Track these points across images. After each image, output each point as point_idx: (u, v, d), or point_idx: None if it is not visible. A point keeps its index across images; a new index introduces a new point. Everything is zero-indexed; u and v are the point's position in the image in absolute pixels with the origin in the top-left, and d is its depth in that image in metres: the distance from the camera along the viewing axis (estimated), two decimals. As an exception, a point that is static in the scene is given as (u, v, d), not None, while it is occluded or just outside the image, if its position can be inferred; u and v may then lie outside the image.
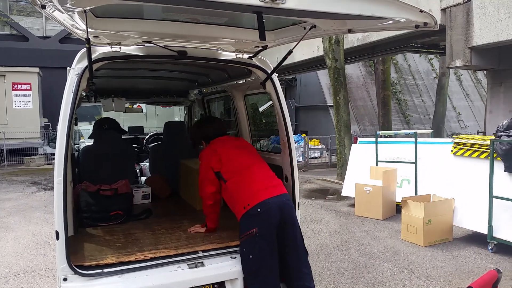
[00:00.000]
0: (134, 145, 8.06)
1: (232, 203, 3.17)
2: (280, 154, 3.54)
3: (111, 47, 2.83)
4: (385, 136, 9.99)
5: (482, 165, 6.28)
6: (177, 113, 16.68)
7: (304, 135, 17.68)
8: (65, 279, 2.60)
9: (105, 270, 2.68)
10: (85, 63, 2.67)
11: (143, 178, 6.05)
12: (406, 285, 4.93)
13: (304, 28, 2.76)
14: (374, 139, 8.80)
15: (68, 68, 2.83)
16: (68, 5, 1.99)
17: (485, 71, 15.12)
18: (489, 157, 6.00)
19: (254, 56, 3.28)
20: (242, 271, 2.94)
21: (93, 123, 5.50)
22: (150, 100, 6.50)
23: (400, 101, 23.53)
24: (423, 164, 7.90)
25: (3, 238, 6.96)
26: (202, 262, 2.92)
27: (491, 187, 5.92)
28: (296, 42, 2.92)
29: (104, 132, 4.89)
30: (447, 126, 22.20)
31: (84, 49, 2.59)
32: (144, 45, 2.95)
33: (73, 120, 2.79)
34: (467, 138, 6.88)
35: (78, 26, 2.43)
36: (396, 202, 8.07)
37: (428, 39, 12.70)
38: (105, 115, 6.65)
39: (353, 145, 9.91)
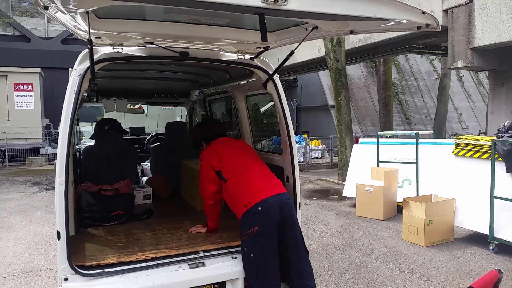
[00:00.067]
0: (135, 146, 8.07)
1: (233, 202, 3.19)
2: (281, 155, 3.55)
3: (113, 48, 2.83)
4: (387, 137, 9.99)
5: (483, 165, 6.27)
6: (179, 114, 16.68)
7: (305, 135, 17.68)
8: (66, 279, 2.60)
9: (106, 270, 2.68)
10: (87, 63, 2.68)
11: (144, 179, 6.06)
12: (407, 285, 4.93)
13: (306, 29, 2.76)
14: (375, 140, 8.79)
15: (70, 68, 2.84)
16: (70, 6, 1.99)
17: (486, 72, 15.11)
18: (490, 158, 6.00)
19: (255, 57, 3.29)
20: (244, 270, 2.94)
21: (94, 123, 5.51)
22: (152, 101, 6.51)
23: (401, 102, 23.52)
24: (424, 165, 7.90)
25: (4, 238, 6.98)
26: (203, 262, 2.92)
27: (493, 187, 5.92)
28: (298, 43, 2.92)
29: (106, 133, 4.90)
30: (448, 126, 22.17)
31: (86, 50, 2.59)
32: (146, 46, 2.96)
33: (75, 120, 2.80)
34: (469, 139, 6.88)
35: (80, 27, 2.44)
36: (397, 202, 8.06)
37: (429, 40, 12.69)
38: (106, 115, 6.67)
39: (354, 145, 9.91)
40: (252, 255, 2.90)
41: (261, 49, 3.19)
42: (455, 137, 8.88)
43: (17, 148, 17.65)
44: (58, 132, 2.70)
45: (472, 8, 9.49)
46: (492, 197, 5.92)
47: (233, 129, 7.51)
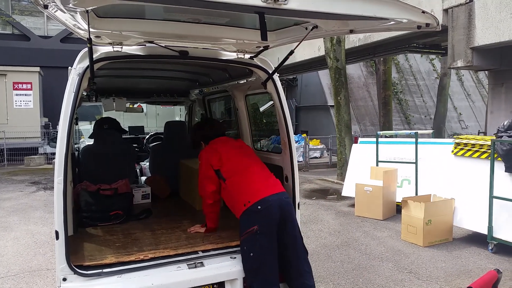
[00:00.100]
0: (134, 145, 8.06)
1: (232, 201, 3.18)
2: (281, 154, 3.55)
3: (113, 47, 2.83)
4: (386, 136, 9.98)
5: (482, 165, 6.27)
6: (178, 113, 16.67)
7: (304, 135, 17.67)
8: (64, 279, 2.60)
9: (104, 270, 2.68)
10: (86, 62, 2.67)
11: (143, 178, 6.04)
12: (406, 285, 4.93)
13: (306, 28, 2.75)
14: (374, 139, 8.80)
15: (69, 67, 2.84)
16: (70, 5, 1.99)
17: (486, 72, 15.12)
18: (489, 158, 6.00)
19: (255, 56, 3.28)
20: (243, 269, 2.94)
21: (93, 122, 5.50)
22: (151, 100, 6.50)
23: (401, 101, 23.52)
24: (423, 164, 7.90)
25: (2, 237, 6.96)
26: (201, 262, 2.92)
27: (492, 187, 5.92)
28: (298, 43, 2.91)
29: (105, 132, 4.89)
30: (448, 126, 22.18)
31: (86, 49, 2.59)
32: (145, 45, 2.95)
33: (74, 119, 2.79)
34: (468, 139, 6.87)
35: (80, 26, 2.43)
36: (396, 202, 8.06)
37: (429, 40, 12.69)
38: (105, 114, 6.65)
39: (354, 145, 9.91)
40: (251, 254, 2.90)
41: (261, 48, 3.18)
42: (455, 136, 8.87)
43: (16, 147, 17.61)
44: (57, 131, 2.69)
45: (472, 8, 9.48)
46: (491, 197, 5.92)
47: (232, 129, 7.51)
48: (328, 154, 17.49)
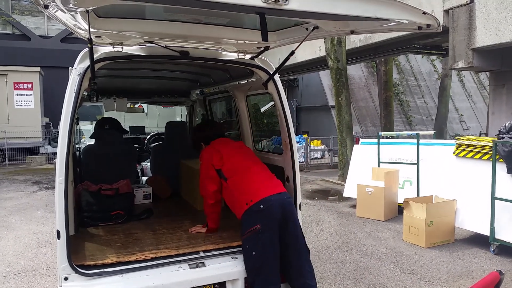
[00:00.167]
0: (135, 145, 8.07)
1: (233, 201, 3.19)
2: (282, 155, 3.54)
3: (113, 47, 2.83)
4: (387, 137, 9.98)
5: (484, 166, 6.26)
6: (179, 113, 16.68)
7: (305, 135, 17.66)
8: (66, 279, 2.60)
9: (106, 270, 2.68)
10: (87, 62, 2.68)
11: (144, 178, 6.05)
12: (407, 286, 4.92)
13: (307, 29, 2.75)
14: (376, 140, 8.78)
15: (70, 67, 2.84)
16: (70, 5, 1.99)
17: (487, 73, 15.09)
18: (491, 159, 5.98)
19: (256, 56, 3.28)
20: (245, 268, 2.94)
21: (94, 122, 5.51)
22: (152, 100, 6.51)
23: (402, 102, 23.50)
24: (425, 165, 7.88)
25: (4, 237, 6.97)
26: (203, 262, 2.92)
27: (493, 188, 5.90)
28: (299, 43, 2.91)
29: (106, 132, 4.90)
30: (449, 127, 22.16)
31: (86, 49, 2.59)
32: (146, 45, 2.95)
33: (75, 119, 2.79)
34: (469, 140, 6.86)
35: (80, 26, 2.44)
36: (398, 203, 8.05)
37: (430, 40, 12.67)
38: (106, 114, 6.67)
39: (355, 146, 9.90)
40: (253, 253, 2.90)
41: (262, 48, 3.18)
42: (456, 137, 8.87)
43: (17, 147, 17.64)
44: (58, 131, 2.70)
45: (473, 9, 9.48)
46: (493, 198, 5.91)
47: (233, 129, 7.51)
48: (329, 155, 17.47)
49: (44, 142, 18.43)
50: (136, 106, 7.74)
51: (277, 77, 3.29)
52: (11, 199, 10.14)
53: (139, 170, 6.93)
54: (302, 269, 3.08)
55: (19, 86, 18.38)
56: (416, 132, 8.83)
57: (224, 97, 5.63)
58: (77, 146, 6.04)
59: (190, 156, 4.56)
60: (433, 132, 11.58)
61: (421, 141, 8.09)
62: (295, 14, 2.17)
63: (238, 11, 2.20)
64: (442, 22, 9.92)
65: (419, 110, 23.90)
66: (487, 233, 6.05)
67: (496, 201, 5.90)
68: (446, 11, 10.16)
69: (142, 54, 2.98)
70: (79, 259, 2.73)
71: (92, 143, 5.08)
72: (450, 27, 9.99)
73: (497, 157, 5.92)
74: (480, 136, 14.30)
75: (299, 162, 13.00)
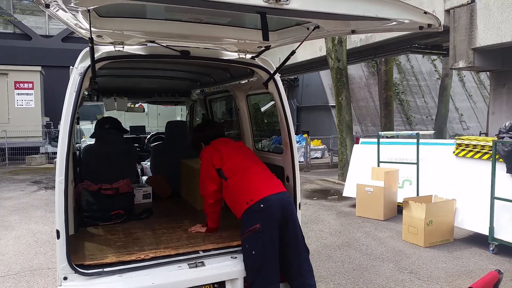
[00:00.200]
0: (135, 145, 8.07)
1: (233, 200, 3.19)
2: (282, 154, 3.55)
3: (114, 47, 2.83)
4: (387, 137, 9.97)
5: (484, 166, 6.27)
6: (179, 113, 16.68)
7: (305, 135, 17.67)
8: (65, 278, 2.60)
9: (105, 270, 2.68)
10: (88, 62, 2.67)
11: (144, 178, 6.05)
12: (407, 286, 4.92)
13: (308, 28, 2.75)
14: (376, 140, 8.78)
15: (70, 67, 2.84)
16: (72, 4, 1.99)
17: (488, 73, 15.10)
18: (491, 159, 5.99)
19: (257, 56, 3.28)
20: (244, 268, 2.94)
21: (94, 122, 5.50)
22: (152, 100, 6.50)
23: (402, 102, 23.49)
24: (425, 165, 7.89)
25: (3, 236, 6.97)
26: (202, 262, 2.92)
27: (493, 188, 5.90)
28: (299, 43, 2.91)
29: (106, 131, 4.89)
30: (449, 127, 22.16)
31: (87, 48, 2.59)
32: (147, 44, 2.95)
33: (75, 119, 2.79)
34: (469, 139, 6.87)
35: (81, 25, 2.43)
36: (398, 203, 8.05)
37: (431, 40, 12.67)
38: (107, 114, 6.66)
39: (355, 145, 9.90)
40: (253, 252, 2.90)
41: (262, 48, 3.18)
42: (456, 137, 8.87)
43: (17, 147, 17.64)
44: (58, 131, 2.70)
45: (474, 8, 9.48)
46: (493, 198, 5.91)
47: (233, 129, 7.51)
48: (329, 155, 17.47)
49: (45, 141, 18.43)
50: (137, 105, 7.73)
51: (277, 77, 3.29)
52: (11, 199, 10.14)
53: (139, 170, 6.93)
54: (301, 268, 3.09)
55: (19, 86, 18.37)
56: (416, 131, 8.83)
57: (224, 97, 5.63)
58: (77, 145, 6.04)
59: (190, 156, 4.56)
60: (433, 131, 11.58)
61: (421, 140, 8.10)
62: (296, 13, 2.16)
63: (239, 10, 2.19)
64: (443, 21, 9.93)
65: (419, 110, 23.90)
66: (486, 232, 6.05)
67: (495, 200, 5.90)
68: (447, 11, 10.16)
69: (143, 53, 2.98)
70: (78, 259, 2.73)
71: (92, 142, 5.08)
72: (451, 27, 9.99)
73: (496, 157, 5.92)
74: (480, 136, 14.31)
75: (299, 161, 13.00)
